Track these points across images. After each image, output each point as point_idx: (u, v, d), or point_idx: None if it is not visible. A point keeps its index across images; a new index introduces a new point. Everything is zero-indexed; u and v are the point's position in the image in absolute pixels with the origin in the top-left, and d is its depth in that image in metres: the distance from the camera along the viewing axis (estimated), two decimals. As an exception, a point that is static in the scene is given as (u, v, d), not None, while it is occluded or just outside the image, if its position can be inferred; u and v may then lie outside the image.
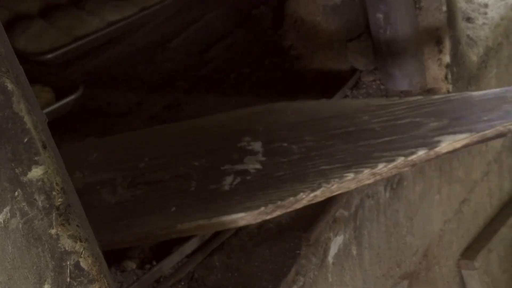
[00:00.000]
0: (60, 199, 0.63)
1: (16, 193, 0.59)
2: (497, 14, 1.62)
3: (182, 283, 1.00)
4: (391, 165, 0.95)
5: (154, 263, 1.00)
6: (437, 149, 0.98)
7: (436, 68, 1.38)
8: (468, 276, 1.60)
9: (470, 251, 1.61)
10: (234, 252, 1.04)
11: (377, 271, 1.27)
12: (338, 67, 1.46)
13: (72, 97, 1.33)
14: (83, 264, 0.66)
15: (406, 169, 0.98)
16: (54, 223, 0.62)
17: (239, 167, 1.02)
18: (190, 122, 1.19)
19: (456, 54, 1.42)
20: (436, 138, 0.99)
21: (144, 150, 1.13)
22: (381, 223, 1.26)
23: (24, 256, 0.61)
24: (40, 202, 0.61)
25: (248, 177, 1.00)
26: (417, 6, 1.34)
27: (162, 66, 1.62)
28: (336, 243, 1.13)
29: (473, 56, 1.50)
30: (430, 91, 1.39)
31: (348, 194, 1.15)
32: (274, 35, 1.61)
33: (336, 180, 0.94)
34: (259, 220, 0.95)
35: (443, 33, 1.36)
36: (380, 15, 1.33)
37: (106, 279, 0.69)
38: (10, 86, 0.58)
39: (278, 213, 0.94)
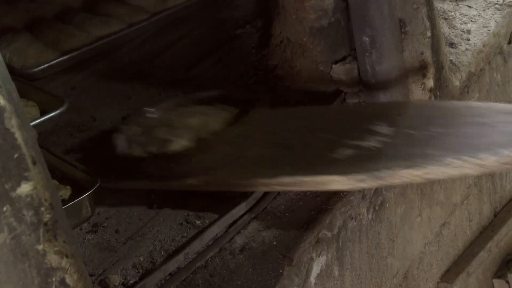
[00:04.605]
0: (48, 215, 0.63)
1: (5, 208, 0.59)
2: (479, 41, 1.65)
3: (164, 301, 1.00)
4: None
5: (137, 280, 1.00)
6: None
7: (419, 92, 1.40)
8: (447, 299, 1.61)
9: (450, 274, 1.63)
10: (217, 270, 1.05)
11: (358, 292, 1.28)
12: (323, 88, 1.48)
13: (57, 112, 1.32)
14: (68, 280, 0.66)
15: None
16: (41, 239, 0.62)
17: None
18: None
19: (440, 79, 1.43)
20: None
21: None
22: (363, 244, 1.27)
23: (10, 272, 0.60)
24: (28, 218, 0.61)
25: (363, 152, 1.04)
26: (402, 30, 1.35)
27: (147, 82, 1.62)
28: (319, 264, 1.13)
29: (456, 81, 1.52)
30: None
31: (332, 215, 1.16)
32: (258, 55, 1.62)
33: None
34: (352, 187, 1.02)
35: (427, 57, 1.38)
36: (366, 39, 1.35)
37: (90, 295, 0.69)
38: (2, 101, 0.58)
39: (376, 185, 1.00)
